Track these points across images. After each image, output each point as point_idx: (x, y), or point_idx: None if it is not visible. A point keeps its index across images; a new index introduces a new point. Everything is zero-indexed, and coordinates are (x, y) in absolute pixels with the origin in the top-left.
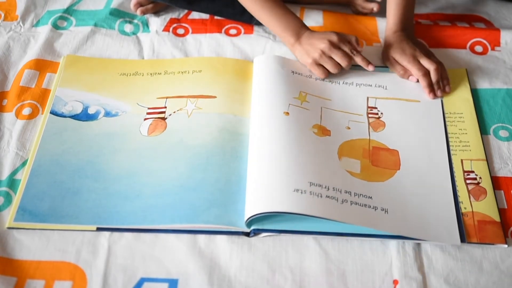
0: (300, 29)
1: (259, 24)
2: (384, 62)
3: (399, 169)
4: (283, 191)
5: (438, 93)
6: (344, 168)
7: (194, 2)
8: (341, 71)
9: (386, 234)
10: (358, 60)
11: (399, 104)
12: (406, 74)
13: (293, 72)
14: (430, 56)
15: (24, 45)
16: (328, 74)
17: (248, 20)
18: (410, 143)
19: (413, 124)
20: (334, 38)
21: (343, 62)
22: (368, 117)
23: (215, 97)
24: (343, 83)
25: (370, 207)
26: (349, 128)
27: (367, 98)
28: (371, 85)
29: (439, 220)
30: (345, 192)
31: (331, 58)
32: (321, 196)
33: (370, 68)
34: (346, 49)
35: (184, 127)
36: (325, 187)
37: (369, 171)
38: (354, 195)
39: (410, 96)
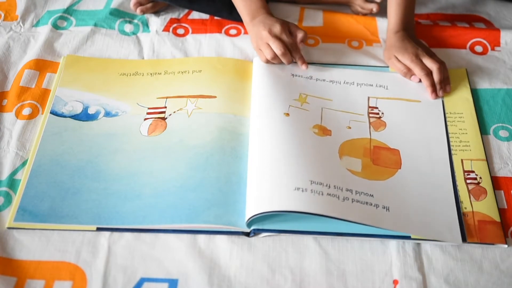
0: (257, 11)
1: None
2: (386, 61)
3: (400, 168)
4: (284, 190)
5: (440, 93)
6: (345, 167)
7: (195, 2)
8: (341, 73)
9: (386, 234)
10: (296, 56)
11: (400, 104)
12: (408, 73)
13: (293, 75)
14: (432, 55)
15: (24, 45)
16: (267, 60)
17: None
18: (411, 143)
19: (414, 124)
20: (277, 28)
21: (277, 51)
22: (369, 117)
23: (215, 97)
24: (344, 82)
25: (371, 205)
26: (350, 127)
27: (368, 98)
28: (372, 85)
29: (440, 219)
30: (346, 190)
31: (268, 45)
32: (322, 194)
33: (303, 67)
34: (286, 40)
35: (184, 127)
36: (326, 185)
37: (370, 169)
38: (356, 193)
39: (411, 96)
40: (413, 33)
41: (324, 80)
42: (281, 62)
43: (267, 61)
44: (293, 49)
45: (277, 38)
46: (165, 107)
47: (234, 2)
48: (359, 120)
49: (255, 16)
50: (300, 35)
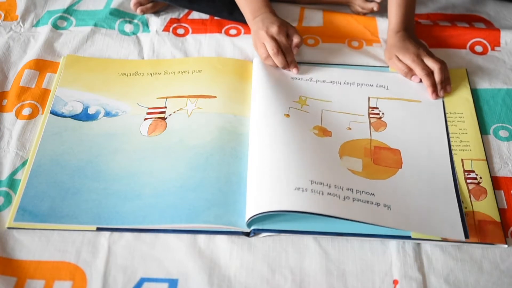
0: (259, 9)
1: None
2: (387, 61)
3: (401, 167)
4: (284, 190)
5: (441, 93)
6: (345, 167)
7: (195, 2)
8: (341, 73)
9: (386, 234)
10: (288, 59)
11: (401, 104)
12: (409, 73)
13: (292, 78)
14: (433, 55)
15: (24, 45)
16: (265, 58)
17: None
18: (411, 143)
19: (415, 124)
20: (274, 28)
21: (270, 51)
22: (370, 117)
23: (215, 97)
24: (344, 83)
25: (372, 203)
26: (350, 128)
27: (369, 98)
28: (372, 85)
29: (442, 216)
30: (347, 189)
31: (264, 44)
32: (322, 194)
33: (294, 71)
34: (281, 41)
35: (184, 127)
36: (327, 185)
37: (371, 169)
38: (356, 192)
39: (412, 96)
40: (414, 33)
41: (324, 81)
42: (275, 64)
43: (264, 60)
44: (287, 51)
45: (273, 38)
46: (165, 107)
47: (237, 0)
48: (359, 121)
49: (256, 14)
50: (296, 40)
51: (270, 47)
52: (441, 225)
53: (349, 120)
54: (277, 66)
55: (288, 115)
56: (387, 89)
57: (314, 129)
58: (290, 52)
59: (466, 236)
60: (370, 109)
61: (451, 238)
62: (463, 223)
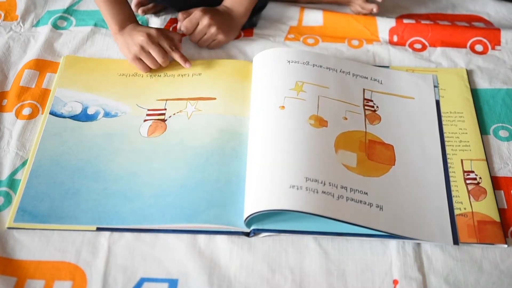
0: (127, 20)
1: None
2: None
3: (394, 164)
4: (279, 188)
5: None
6: (340, 162)
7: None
8: (337, 61)
9: (386, 234)
10: (176, 56)
11: (394, 100)
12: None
13: (289, 61)
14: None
15: (24, 45)
16: (150, 69)
17: (246, 25)
18: (404, 138)
19: (408, 120)
20: (153, 32)
21: (159, 58)
22: (365, 109)
23: (214, 98)
24: (340, 71)
25: (365, 203)
26: (346, 118)
27: (363, 89)
28: (367, 78)
29: (432, 219)
30: (341, 187)
31: (149, 53)
32: (317, 192)
33: (187, 65)
34: (165, 44)
35: (184, 128)
36: (321, 182)
37: (365, 165)
38: (350, 191)
39: (405, 92)
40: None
41: (321, 66)
42: (150, 63)
43: (148, 70)
44: (172, 50)
45: (157, 44)
46: (165, 109)
47: (101, 10)
48: (355, 111)
49: (123, 25)
50: (176, 36)
51: (159, 55)
52: (431, 229)
53: (345, 109)
54: (149, 68)
55: (283, 107)
56: (381, 83)
57: (310, 119)
58: (177, 50)
59: (455, 242)
60: (365, 101)
61: (440, 242)
62: (453, 228)
